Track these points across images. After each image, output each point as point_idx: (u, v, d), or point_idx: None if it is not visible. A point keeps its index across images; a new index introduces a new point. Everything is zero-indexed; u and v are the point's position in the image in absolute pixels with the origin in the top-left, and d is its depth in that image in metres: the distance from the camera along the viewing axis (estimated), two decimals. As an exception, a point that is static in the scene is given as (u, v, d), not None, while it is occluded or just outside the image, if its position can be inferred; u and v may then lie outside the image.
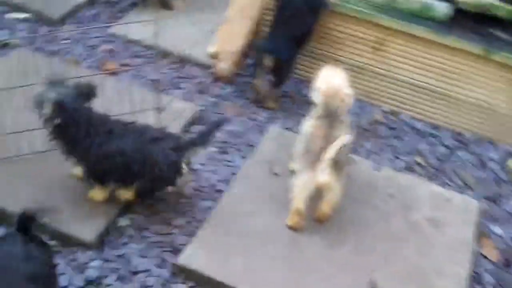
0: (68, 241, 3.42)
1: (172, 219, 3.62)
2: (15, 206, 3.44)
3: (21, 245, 2.76)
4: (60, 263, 3.33)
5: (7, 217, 3.46)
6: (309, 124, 3.46)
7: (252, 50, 4.73)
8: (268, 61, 4.25)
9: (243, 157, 4.05)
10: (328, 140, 3.29)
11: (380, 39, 4.44)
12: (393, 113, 4.58)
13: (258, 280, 3.31)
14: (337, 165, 3.29)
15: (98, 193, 3.55)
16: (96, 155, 3.33)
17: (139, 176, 3.41)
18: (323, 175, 3.24)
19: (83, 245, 3.41)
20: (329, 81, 3.50)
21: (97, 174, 3.45)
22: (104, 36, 4.89)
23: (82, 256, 3.38)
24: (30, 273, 2.69)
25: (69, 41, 4.80)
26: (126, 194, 3.55)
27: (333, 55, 4.60)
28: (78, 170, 3.53)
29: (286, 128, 4.27)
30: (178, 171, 3.47)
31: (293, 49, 4.37)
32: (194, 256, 3.39)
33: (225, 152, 4.07)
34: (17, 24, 4.89)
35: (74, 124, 3.26)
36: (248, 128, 4.29)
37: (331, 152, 3.22)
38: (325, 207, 3.54)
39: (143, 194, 3.58)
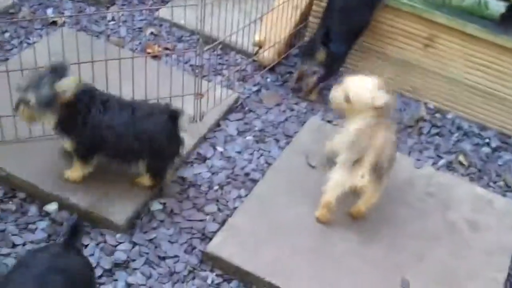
0: (98, 223, 3.42)
1: (204, 205, 3.59)
2: (49, 187, 3.50)
3: (70, 254, 2.73)
4: (89, 244, 3.34)
5: (41, 195, 3.49)
6: (354, 122, 3.40)
7: (300, 41, 4.67)
8: (321, 54, 4.16)
9: (280, 147, 3.99)
10: (372, 140, 3.21)
11: (431, 36, 4.32)
12: (438, 110, 4.46)
13: (286, 272, 3.26)
14: (378, 168, 3.22)
15: (74, 173, 3.50)
16: (90, 128, 3.31)
17: (139, 154, 3.41)
18: (362, 180, 3.22)
19: (113, 228, 3.41)
20: (357, 87, 3.45)
21: (87, 149, 3.43)
22: (150, 19, 4.88)
23: (111, 238, 3.38)
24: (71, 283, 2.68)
25: (114, 22, 4.81)
26: (142, 179, 3.54)
27: (382, 49, 4.49)
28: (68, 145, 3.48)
29: (327, 121, 4.19)
30: (178, 141, 3.45)
31: (348, 43, 4.29)
32: (223, 244, 3.36)
33: (262, 141, 4.02)
34: (65, 3, 4.92)
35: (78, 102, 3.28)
36: (287, 118, 4.22)
37: (373, 156, 3.16)
38: (362, 206, 3.47)
39: (155, 173, 3.53)
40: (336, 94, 3.52)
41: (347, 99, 3.44)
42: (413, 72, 4.46)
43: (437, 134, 4.30)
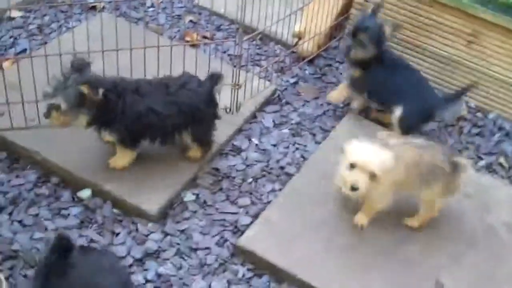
0: (131, 211, 3.40)
1: (237, 198, 3.56)
2: (83, 173, 3.49)
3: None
4: (121, 232, 3.33)
5: (74, 181, 3.49)
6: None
7: (341, 33, 4.60)
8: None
9: (316, 142, 3.93)
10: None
11: (475, 32, 4.20)
12: (480, 110, 4.35)
13: (319, 270, 3.21)
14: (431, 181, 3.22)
15: (120, 161, 3.51)
16: (131, 116, 3.32)
17: (184, 126, 3.45)
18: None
19: (145, 217, 3.39)
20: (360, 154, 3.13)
21: (132, 137, 3.43)
22: (189, 7, 4.84)
23: (143, 227, 3.36)
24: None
25: (153, 9, 4.78)
26: (193, 152, 3.60)
27: (424, 44, 4.39)
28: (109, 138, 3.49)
29: (364, 116, 4.12)
30: (214, 102, 3.54)
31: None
32: (255, 238, 3.32)
33: (298, 135, 3.96)
34: (105, -11, 4.91)
35: (111, 95, 3.27)
36: (324, 112, 4.16)
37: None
38: (415, 220, 3.44)
39: (202, 141, 3.58)
40: (360, 179, 3.08)
41: (373, 177, 3.10)
42: (455, 69, 4.36)
43: (477, 134, 4.19)
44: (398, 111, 3.85)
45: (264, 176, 3.69)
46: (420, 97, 3.88)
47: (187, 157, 3.61)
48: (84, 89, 3.15)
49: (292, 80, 4.35)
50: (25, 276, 3.11)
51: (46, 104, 3.22)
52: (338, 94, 4.08)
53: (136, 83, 3.40)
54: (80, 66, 3.22)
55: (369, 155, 3.09)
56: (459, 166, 3.26)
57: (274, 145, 3.87)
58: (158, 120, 3.36)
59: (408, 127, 3.85)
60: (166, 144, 3.51)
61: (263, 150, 3.83)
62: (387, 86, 3.90)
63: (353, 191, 3.09)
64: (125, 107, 3.30)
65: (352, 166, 3.08)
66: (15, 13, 4.46)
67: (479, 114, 4.32)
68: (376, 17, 3.83)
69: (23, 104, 3.55)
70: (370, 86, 3.95)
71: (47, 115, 3.23)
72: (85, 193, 3.47)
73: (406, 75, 3.94)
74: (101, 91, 3.18)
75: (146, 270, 3.19)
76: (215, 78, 3.51)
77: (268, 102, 4.13)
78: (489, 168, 3.96)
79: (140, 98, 3.34)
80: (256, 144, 3.86)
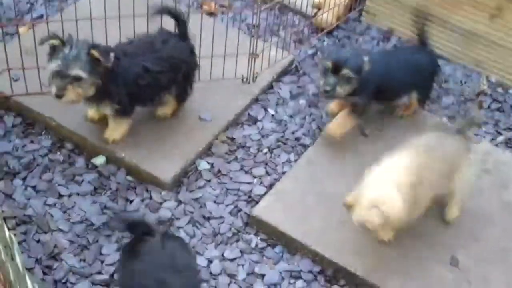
0: (145, 179, 3.39)
1: (252, 168, 3.53)
2: (98, 139, 3.48)
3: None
4: (134, 199, 3.31)
5: (89, 147, 3.49)
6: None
7: (361, 5, 4.52)
8: None
9: (333, 114, 3.88)
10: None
11: (499, 6, 4.10)
12: (501, 85, 4.27)
13: (332, 242, 3.19)
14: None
15: (116, 132, 3.45)
16: (129, 80, 3.27)
17: (174, 81, 3.45)
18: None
19: (159, 185, 3.37)
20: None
21: (128, 104, 3.37)
22: (208, -24, 4.78)
23: (157, 195, 3.34)
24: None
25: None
26: (165, 110, 3.59)
27: (447, 17, 4.29)
28: (93, 112, 3.49)
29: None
30: (194, 52, 3.54)
31: None
32: (269, 208, 3.30)
33: (314, 106, 3.91)
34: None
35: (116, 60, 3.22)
36: (342, 84, 4.10)
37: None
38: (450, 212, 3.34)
39: (183, 95, 3.58)
40: (372, 220, 2.89)
41: (386, 219, 2.89)
42: (477, 43, 4.27)
43: (497, 109, 4.12)
44: (414, 96, 3.77)
45: (279, 146, 3.66)
46: (422, 71, 3.77)
47: (157, 116, 3.58)
48: (96, 53, 3.09)
49: (310, 51, 4.29)
50: (38, 241, 3.11)
51: (56, 83, 3.11)
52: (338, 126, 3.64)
53: (123, 46, 3.35)
54: (70, 41, 3.15)
55: (393, 199, 2.87)
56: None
57: (290, 116, 3.82)
58: (153, 78, 3.32)
59: (426, 99, 3.88)
60: (155, 104, 3.51)
61: (279, 120, 3.79)
62: (390, 84, 3.66)
63: (361, 227, 2.93)
64: (123, 71, 3.24)
65: (370, 203, 2.90)
66: (33, -21, 4.43)
67: (499, 89, 4.25)
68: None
69: (38, 69, 3.52)
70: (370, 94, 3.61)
71: (62, 92, 3.11)
72: (99, 160, 3.45)
73: (397, 62, 3.71)
74: (112, 55, 3.13)
75: (159, 238, 3.18)
76: (182, 26, 3.47)
77: (285, 72, 4.08)
78: (508, 144, 3.89)
79: (133, 60, 3.28)
80: (272, 115, 3.81)
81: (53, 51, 3.13)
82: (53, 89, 3.12)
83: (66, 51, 3.09)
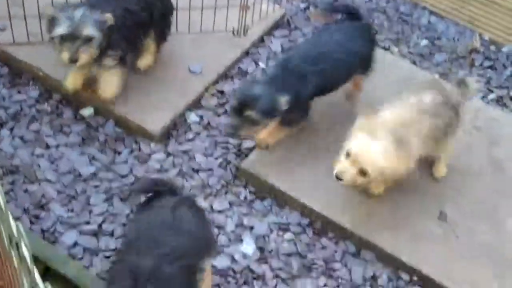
0: (133, 131, 3.36)
1: (242, 121, 3.50)
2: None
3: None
4: (123, 151, 3.29)
5: (76, 99, 3.43)
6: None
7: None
8: None
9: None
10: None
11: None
12: (494, 43, 4.24)
13: (320, 195, 3.19)
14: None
15: (112, 86, 3.38)
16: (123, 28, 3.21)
17: (151, 25, 3.40)
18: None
19: (148, 136, 3.34)
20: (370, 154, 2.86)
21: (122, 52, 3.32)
22: None
23: (145, 147, 3.32)
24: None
25: None
26: (145, 60, 3.54)
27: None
28: (70, 83, 3.39)
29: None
30: None
31: None
32: (259, 162, 3.28)
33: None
34: None
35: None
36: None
37: None
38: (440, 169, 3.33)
39: (163, 36, 3.55)
40: (346, 171, 2.88)
41: (363, 173, 2.88)
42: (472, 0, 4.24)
43: (489, 67, 4.10)
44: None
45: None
46: (363, 41, 3.43)
47: (138, 68, 3.53)
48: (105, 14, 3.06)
49: (302, 5, 4.24)
50: (25, 191, 3.09)
51: (67, 47, 3.05)
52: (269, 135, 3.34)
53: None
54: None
55: (368, 148, 2.84)
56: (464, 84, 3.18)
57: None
58: (140, 20, 3.28)
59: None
60: (139, 50, 3.47)
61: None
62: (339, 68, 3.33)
63: (336, 179, 2.91)
64: (117, 20, 3.17)
65: (347, 154, 2.89)
66: None
67: (492, 47, 4.22)
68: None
69: (25, 18, 3.47)
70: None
71: (76, 56, 3.06)
72: (88, 111, 3.42)
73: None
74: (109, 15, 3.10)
75: (147, 189, 3.17)
76: None
77: (276, 26, 4.03)
78: (499, 102, 3.88)
79: (120, 8, 3.21)
80: (263, 68, 3.77)
81: (52, 21, 3.07)
82: (66, 54, 3.06)
83: (69, 14, 3.03)
